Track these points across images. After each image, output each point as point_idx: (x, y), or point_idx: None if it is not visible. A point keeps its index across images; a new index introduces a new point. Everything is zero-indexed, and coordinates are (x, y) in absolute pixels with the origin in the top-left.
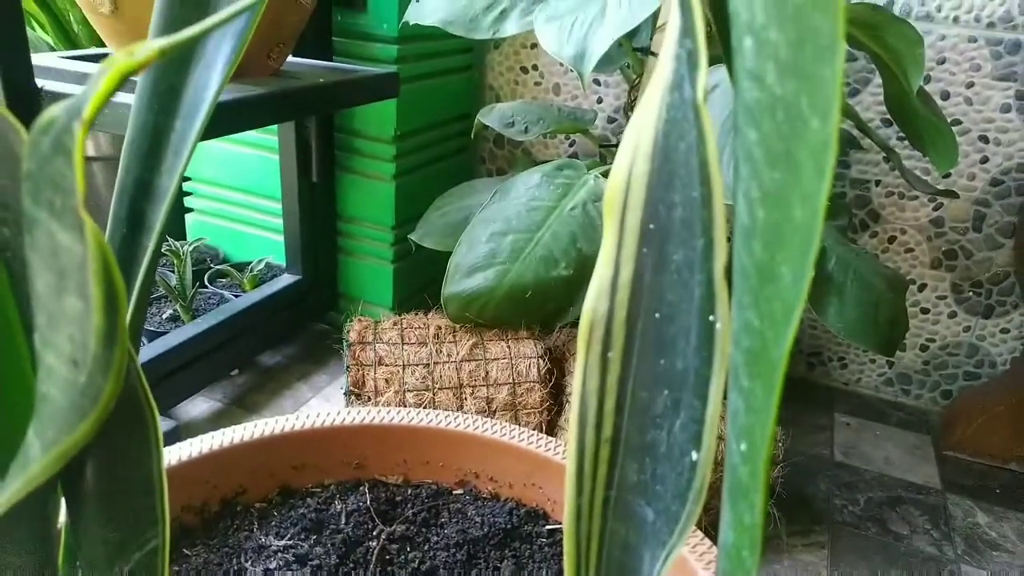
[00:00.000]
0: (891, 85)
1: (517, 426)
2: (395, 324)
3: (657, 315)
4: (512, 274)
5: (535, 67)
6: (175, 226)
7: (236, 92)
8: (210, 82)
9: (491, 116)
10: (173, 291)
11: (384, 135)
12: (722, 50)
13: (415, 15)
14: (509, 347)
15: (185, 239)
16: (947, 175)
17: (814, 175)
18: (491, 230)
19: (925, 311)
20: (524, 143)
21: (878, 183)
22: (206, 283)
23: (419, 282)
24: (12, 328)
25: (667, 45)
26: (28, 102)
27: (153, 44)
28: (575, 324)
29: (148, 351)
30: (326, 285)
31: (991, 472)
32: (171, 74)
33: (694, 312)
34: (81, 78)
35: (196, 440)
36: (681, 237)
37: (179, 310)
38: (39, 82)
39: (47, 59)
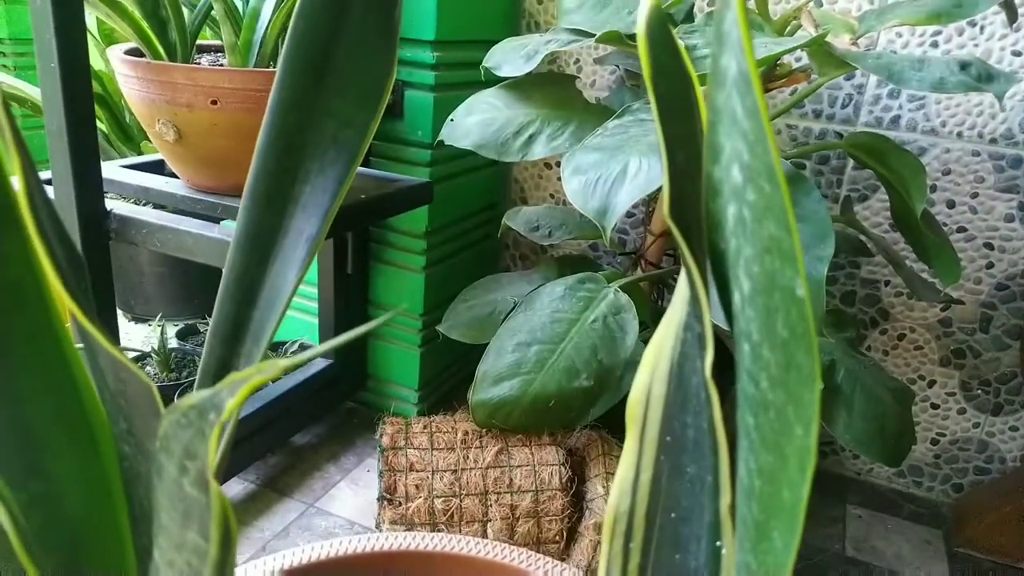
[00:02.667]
0: (896, 202)
1: (540, 556)
2: (425, 428)
3: (673, 515)
4: (536, 384)
5: (558, 163)
6: (213, 303)
7: None
8: (287, 280)
9: (517, 220)
10: None
11: (416, 230)
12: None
13: (449, 136)
14: (532, 453)
15: None
16: None
17: (798, 470)
18: (516, 340)
19: (935, 406)
20: None
21: (887, 283)
22: None
23: (443, 363)
24: (120, 526)
25: (679, 291)
26: (98, 224)
27: (280, 363)
28: (594, 426)
29: None
30: (356, 367)
31: (1002, 571)
32: (252, 270)
33: (704, 528)
34: (143, 192)
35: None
36: (694, 454)
37: None
38: (108, 204)
39: (110, 169)
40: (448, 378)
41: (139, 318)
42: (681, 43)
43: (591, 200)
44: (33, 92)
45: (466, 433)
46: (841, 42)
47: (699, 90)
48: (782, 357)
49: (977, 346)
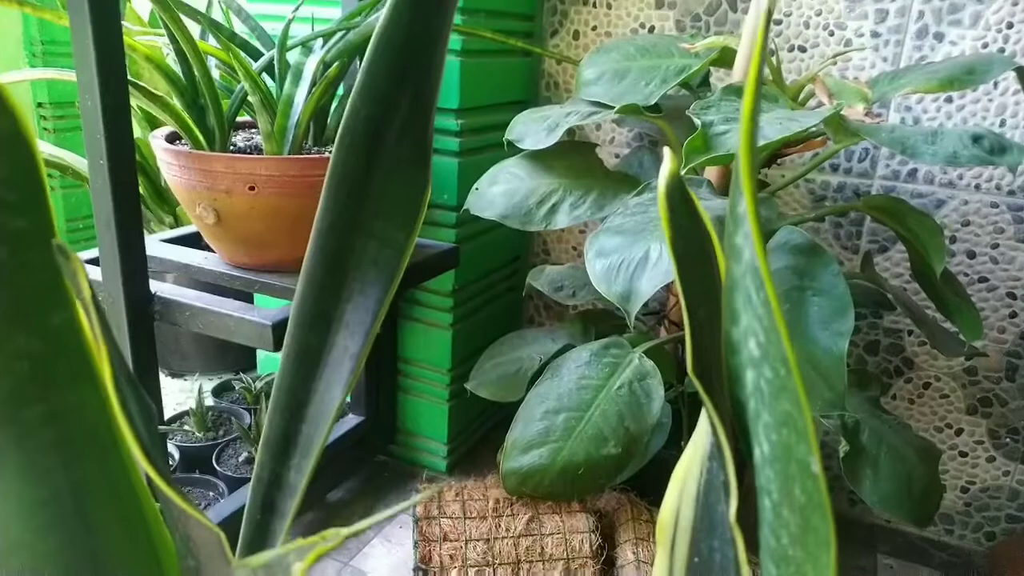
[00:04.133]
0: (916, 260)
1: None
2: (457, 495)
3: None
4: (565, 452)
5: None
6: (247, 358)
7: None
8: (333, 396)
9: (541, 280)
10: (248, 435)
11: (443, 289)
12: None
13: (475, 206)
14: (563, 521)
15: (255, 369)
16: None
17: None
18: (544, 408)
19: (964, 454)
20: None
21: (911, 332)
22: None
23: (471, 417)
24: None
25: (704, 420)
26: (144, 308)
27: (342, 532)
28: (623, 489)
29: (231, 503)
30: (387, 422)
31: None
32: (300, 386)
33: None
34: (183, 268)
35: None
36: None
37: (253, 452)
38: (152, 286)
39: (151, 245)
40: (476, 430)
41: (176, 373)
42: (699, 202)
43: (614, 285)
44: (72, 159)
45: (497, 501)
46: (855, 112)
47: (718, 246)
48: (800, 519)
49: (1004, 394)
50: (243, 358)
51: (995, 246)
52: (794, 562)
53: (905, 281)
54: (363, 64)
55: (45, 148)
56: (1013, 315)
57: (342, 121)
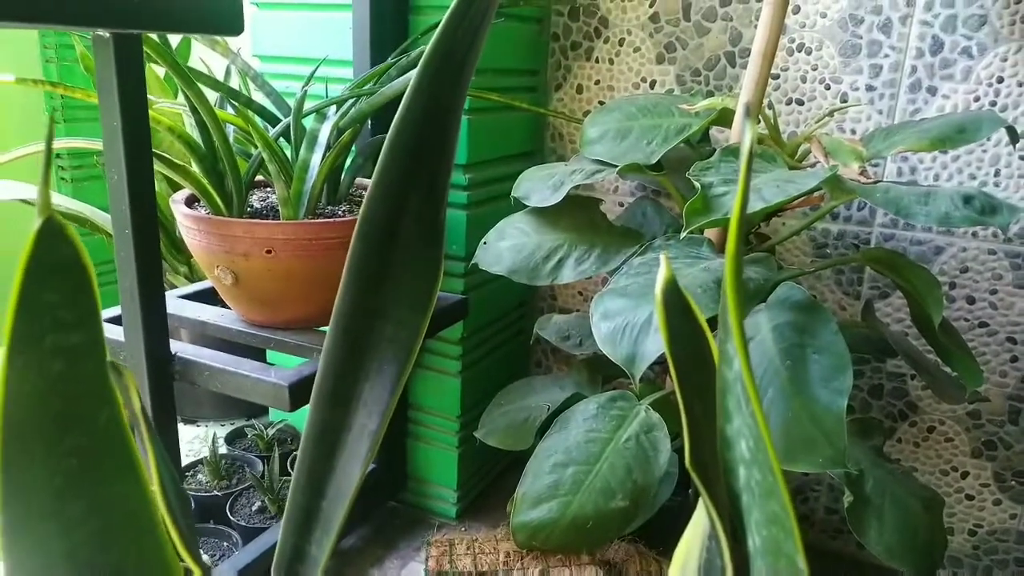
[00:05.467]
0: (916, 310)
1: None
2: (468, 548)
3: None
4: (574, 506)
5: None
6: (259, 405)
7: None
8: (352, 474)
9: (548, 329)
10: (261, 485)
11: (452, 337)
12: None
13: (483, 261)
14: (573, 574)
15: (267, 415)
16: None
17: None
18: (553, 461)
19: (970, 497)
20: None
21: (913, 377)
22: (288, 469)
23: (480, 463)
24: None
25: (701, 509)
26: (165, 367)
27: None
28: (632, 539)
29: (247, 554)
30: (397, 469)
31: None
32: (321, 463)
33: None
34: (200, 326)
35: None
36: None
37: (266, 502)
38: (172, 346)
39: (170, 302)
40: (485, 476)
41: (189, 420)
42: (695, 304)
43: (619, 347)
44: (90, 212)
45: (507, 554)
46: (850, 172)
47: (713, 345)
48: None
49: (1008, 438)
50: (255, 405)
51: (994, 292)
52: None
53: (907, 326)
54: (379, 160)
55: (63, 201)
56: (1014, 359)
57: (361, 211)
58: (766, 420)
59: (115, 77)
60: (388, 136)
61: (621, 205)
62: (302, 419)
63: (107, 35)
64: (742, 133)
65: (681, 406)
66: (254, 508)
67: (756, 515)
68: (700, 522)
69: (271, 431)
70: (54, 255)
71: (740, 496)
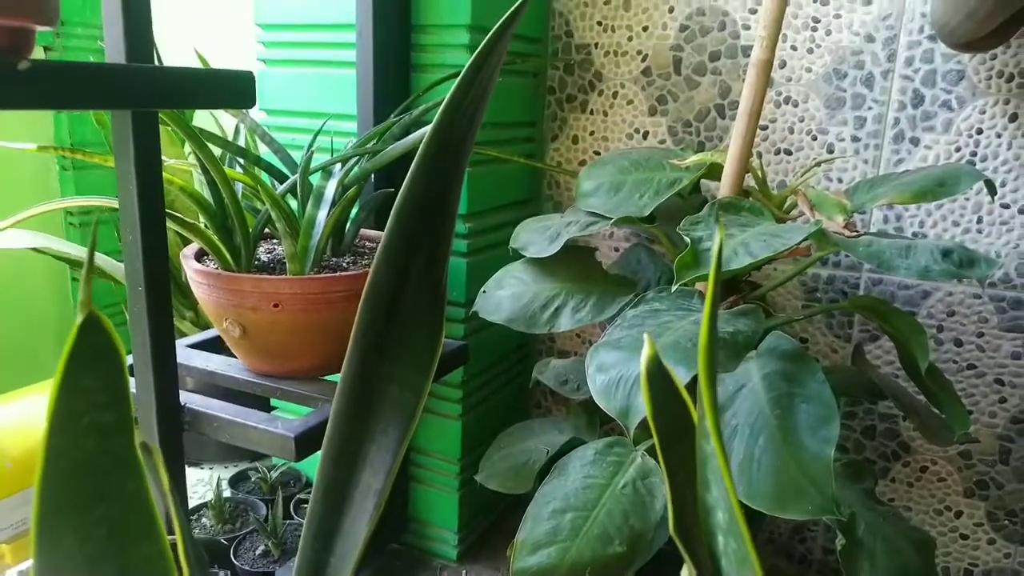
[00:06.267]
0: (903, 354)
1: None
2: None
3: None
4: (573, 552)
5: None
6: None
7: None
8: (359, 531)
9: (547, 374)
10: (265, 528)
11: (453, 381)
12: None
13: (483, 310)
14: None
15: (271, 458)
16: (970, 412)
17: None
18: (552, 507)
19: (964, 536)
20: None
21: (905, 418)
22: (292, 513)
23: (481, 504)
24: None
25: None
26: (175, 418)
27: None
28: None
29: None
30: (399, 511)
31: None
32: (329, 519)
33: None
34: (208, 376)
35: None
36: None
37: (270, 545)
38: (182, 398)
39: (179, 352)
40: (486, 517)
41: (193, 463)
42: (678, 379)
43: (613, 400)
44: (100, 260)
45: None
46: (835, 225)
47: (694, 415)
48: None
49: (999, 477)
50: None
51: (980, 335)
52: None
53: (897, 368)
54: (385, 232)
55: (72, 249)
56: (1002, 400)
57: (368, 279)
58: (756, 466)
59: (132, 147)
60: (392, 212)
61: (616, 250)
62: (305, 462)
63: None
64: (731, 185)
65: (664, 475)
66: (258, 552)
67: None
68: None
69: (274, 474)
70: (92, 344)
71: (720, 559)
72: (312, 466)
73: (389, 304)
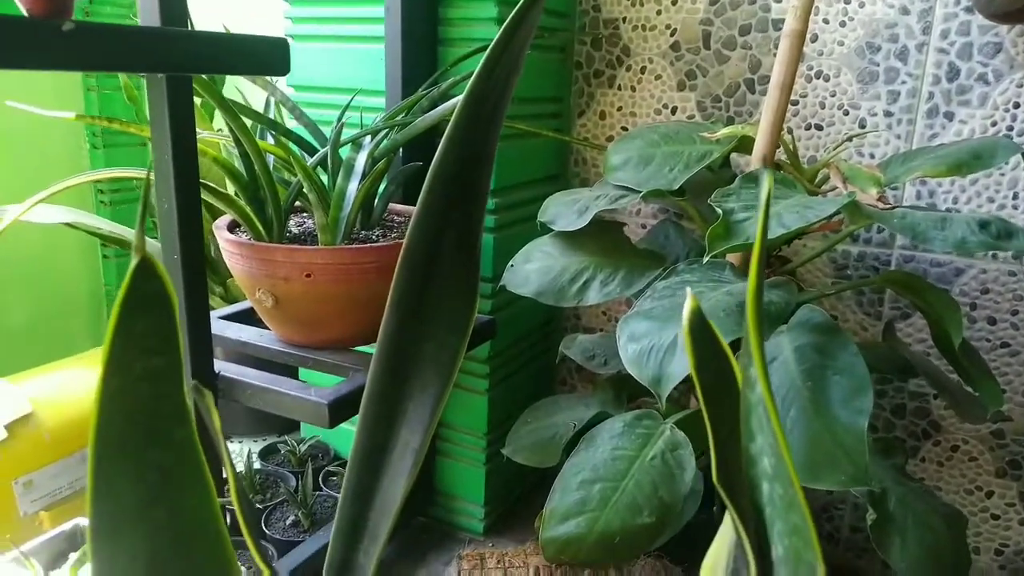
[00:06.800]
0: (936, 331)
1: None
2: (499, 563)
3: None
4: (601, 521)
5: None
6: (292, 421)
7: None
8: (397, 487)
9: (573, 349)
10: (295, 498)
11: (479, 356)
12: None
13: (511, 283)
14: None
15: (299, 431)
16: (1003, 391)
17: None
18: (580, 478)
19: (996, 517)
20: None
21: (936, 396)
22: (320, 485)
23: (507, 479)
24: None
25: (728, 518)
26: (209, 385)
27: None
28: (659, 556)
29: (282, 567)
30: (425, 485)
31: None
32: (367, 478)
33: None
34: (241, 346)
35: None
36: None
37: (300, 516)
38: (215, 367)
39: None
40: (512, 492)
41: (224, 436)
42: (719, 332)
43: (645, 369)
44: (130, 235)
45: (537, 568)
46: (868, 198)
47: (737, 369)
48: None
49: None
50: (288, 421)
51: (1015, 312)
52: None
53: (928, 347)
54: (421, 194)
55: (105, 224)
56: None
57: (405, 240)
58: (788, 438)
59: (167, 114)
60: (428, 174)
61: (644, 227)
62: (333, 435)
63: (161, 76)
64: (760, 169)
65: (708, 427)
66: (288, 522)
67: (779, 526)
68: (727, 534)
69: (303, 447)
70: (146, 289)
71: (764, 509)
72: (339, 439)
73: (426, 264)
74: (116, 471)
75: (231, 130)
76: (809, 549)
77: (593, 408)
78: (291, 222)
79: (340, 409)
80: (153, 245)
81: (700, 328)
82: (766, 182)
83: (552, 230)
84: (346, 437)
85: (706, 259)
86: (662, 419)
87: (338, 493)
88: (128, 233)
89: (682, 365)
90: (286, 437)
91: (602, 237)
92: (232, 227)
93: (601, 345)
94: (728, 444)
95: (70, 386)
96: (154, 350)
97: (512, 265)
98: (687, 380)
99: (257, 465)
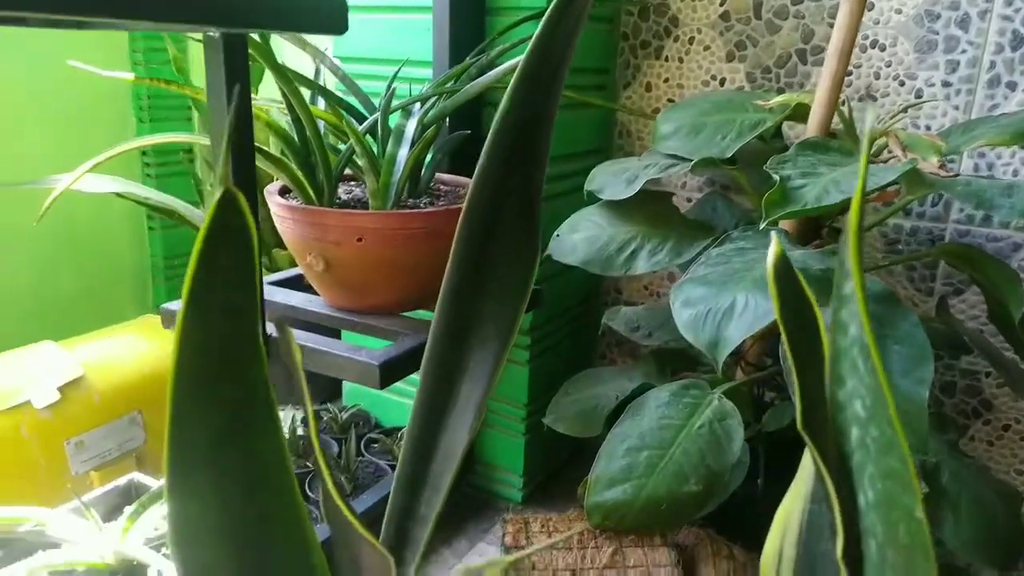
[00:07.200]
0: (993, 306)
1: None
2: (543, 527)
3: None
4: (648, 489)
5: None
6: (333, 389)
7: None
8: (460, 439)
9: (617, 320)
10: (338, 464)
11: (522, 327)
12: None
13: (557, 252)
14: (646, 554)
15: (340, 399)
16: None
17: None
18: (627, 445)
19: None
20: None
21: (988, 374)
22: (362, 451)
23: (546, 450)
24: None
25: (804, 468)
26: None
27: (525, 550)
28: (702, 523)
29: (325, 530)
30: (465, 453)
31: None
32: (429, 431)
33: None
34: (290, 309)
35: None
36: None
37: (344, 480)
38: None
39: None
40: (550, 463)
41: None
42: (803, 280)
43: (702, 333)
44: (177, 204)
45: (582, 533)
46: (929, 166)
47: (819, 315)
48: (904, 560)
49: None
50: (329, 389)
51: None
52: None
53: (982, 323)
54: (481, 157)
55: (152, 194)
56: None
57: (466, 199)
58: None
59: (224, 76)
60: (488, 136)
61: (689, 201)
62: (374, 404)
63: (217, 35)
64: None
65: (793, 372)
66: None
67: (870, 470)
68: (800, 487)
69: (344, 415)
70: (229, 222)
71: (851, 456)
72: (380, 408)
73: (487, 221)
74: (191, 408)
75: (284, 95)
76: (907, 492)
77: (636, 380)
78: (340, 190)
79: (390, 370)
80: (202, 218)
81: (785, 273)
82: (870, 116)
83: (599, 200)
84: (386, 406)
85: (762, 225)
86: (710, 389)
87: (379, 459)
88: (175, 203)
89: (740, 329)
90: (328, 405)
91: (650, 207)
92: (283, 192)
93: (645, 317)
94: (812, 389)
95: (119, 352)
96: (234, 284)
97: (558, 235)
98: (735, 352)
99: (299, 431)
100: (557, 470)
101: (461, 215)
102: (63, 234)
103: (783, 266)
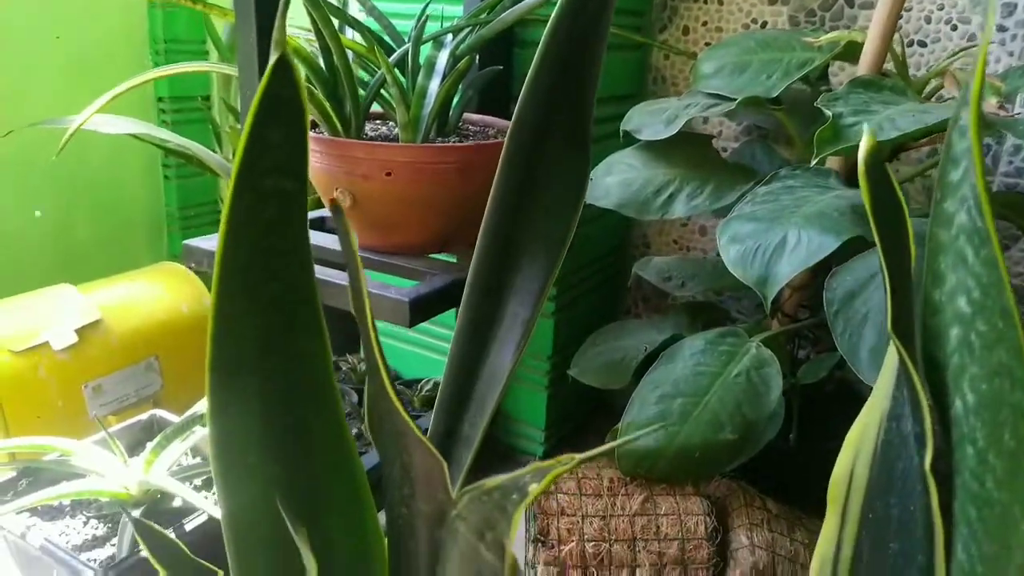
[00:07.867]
0: None
1: None
2: (572, 473)
3: None
4: (681, 436)
5: None
6: (352, 340)
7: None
8: (506, 358)
9: (648, 270)
10: (358, 412)
11: None
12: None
13: (590, 195)
14: (677, 502)
15: (359, 351)
16: None
17: (1022, 559)
18: (660, 392)
19: None
20: None
21: None
22: None
23: (568, 404)
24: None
25: (881, 383)
26: None
27: (575, 456)
28: (733, 476)
29: None
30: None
31: None
32: (475, 350)
33: None
34: (316, 251)
35: None
36: (899, 532)
37: (364, 429)
38: None
39: None
40: (572, 418)
41: None
42: (892, 174)
43: (750, 269)
44: (199, 149)
45: (612, 480)
46: (989, 106)
47: (907, 216)
48: (1009, 464)
49: None
50: (349, 340)
51: None
52: (999, 504)
53: None
54: (531, 69)
55: (172, 138)
56: None
57: (513, 115)
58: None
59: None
60: (537, 53)
61: (724, 150)
62: (393, 354)
63: None
64: (871, 64)
65: (886, 274)
66: (352, 434)
67: (972, 371)
68: (877, 405)
69: (363, 366)
70: (282, 94)
71: (945, 362)
72: (399, 360)
73: (536, 136)
74: (237, 305)
75: (313, 22)
76: (1019, 389)
77: (666, 332)
78: (367, 127)
79: (420, 308)
80: (220, 163)
81: (876, 168)
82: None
83: (634, 142)
84: (406, 357)
85: (814, 162)
86: (747, 337)
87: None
88: (193, 145)
89: (790, 266)
90: (347, 356)
91: (689, 149)
92: (310, 126)
93: (677, 267)
94: (903, 292)
95: (136, 297)
96: (285, 168)
97: (591, 178)
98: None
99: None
100: (579, 425)
101: (510, 127)
102: (78, 181)
103: (874, 162)
